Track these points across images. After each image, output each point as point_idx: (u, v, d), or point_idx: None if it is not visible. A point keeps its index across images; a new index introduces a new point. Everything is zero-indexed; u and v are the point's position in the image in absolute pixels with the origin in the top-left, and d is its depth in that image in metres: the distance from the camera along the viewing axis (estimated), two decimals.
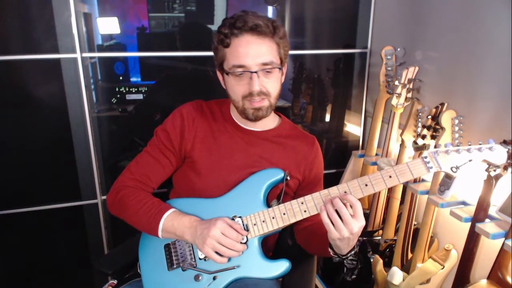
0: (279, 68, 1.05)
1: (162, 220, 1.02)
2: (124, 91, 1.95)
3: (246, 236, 1.02)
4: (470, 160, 0.96)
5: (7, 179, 1.71)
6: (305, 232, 1.17)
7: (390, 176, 0.96)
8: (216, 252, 0.99)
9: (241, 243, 1.01)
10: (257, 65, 1.01)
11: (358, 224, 0.91)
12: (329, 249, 1.02)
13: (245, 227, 1.03)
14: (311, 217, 1.02)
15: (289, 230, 1.24)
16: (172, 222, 1.02)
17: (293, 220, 1.01)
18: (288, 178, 1.10)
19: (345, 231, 0.90)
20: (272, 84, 1.05)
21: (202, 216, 1.05)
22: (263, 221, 1.03)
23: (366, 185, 0.97)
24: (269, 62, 1.02)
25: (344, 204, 0.92)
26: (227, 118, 1.16)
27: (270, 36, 1.02)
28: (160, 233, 1.03)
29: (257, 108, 1.05)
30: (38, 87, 1.67)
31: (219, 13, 2.01)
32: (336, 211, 0.92)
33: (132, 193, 1.08)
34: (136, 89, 1.97)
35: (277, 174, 1.09)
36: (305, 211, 1.00)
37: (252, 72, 1.01)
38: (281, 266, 1.04)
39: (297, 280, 1.14)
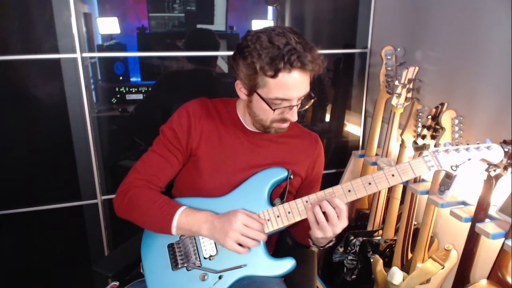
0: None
1: (176, 217, 1.02)
2: (124, 91, 1.95)
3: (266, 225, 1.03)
4: (469, 159, 0.99)
5: (7, 179, 1.71)
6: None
7: (393, 175, 0.98)
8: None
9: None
10: (298, 99, 1.02)
11: (341, 225, 0.96)
12: (309, 239, 1.09)
13: None
14: None
15: (288, 230, 1.24)
16: (187, 218, 1.02)
17: (298, 219, 1.02)
18: (292, 177, 1.11)
19: (330, 231, 0.95)
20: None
21: None
22: (268, 220, 1.03)
23: (370, 183, 0.99)
24: (307, 93, 1.03)
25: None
26: (233, 119, 1.15)
27: (313, 71, 1.00)
28: (174, 230, 1.02)
29: (282, 128, 1.08)
30: (38, 87, 1.67)
31: (219, 13, 2.01)
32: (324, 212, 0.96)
33: (141, 193, 1.07)
34: (136, 89, 1.97)
35: (281, 173, 1.09)
36: None
37: (293, 106, 1.02)
38: (287, 264, 1.05)
39: (299, 278, 1.15)
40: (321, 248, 1.09)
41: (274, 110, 1.01)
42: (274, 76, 0.96)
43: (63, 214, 1.81)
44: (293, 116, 1.04)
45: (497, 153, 0.99)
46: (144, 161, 1.13)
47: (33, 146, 1.72)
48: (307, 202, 1.01)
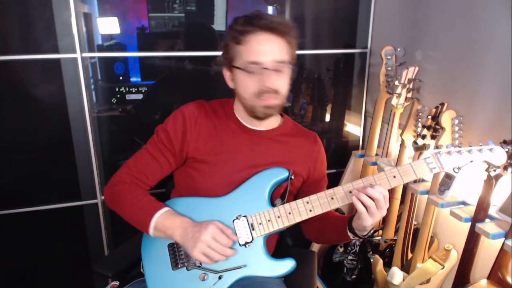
0: (291, 67, 1.06)
1: (154, 218, 1.02)
2: (124, 91, 1.95)
3: (238, 241, 1.03)
4: (471, 161, 0.98)
5: (7, 179, 1.71)
6: (316, 224, 1.19)
7: (395, 176, 0.98)
8: None
9: (231, 248, 1.01)
10: (271, 63, 1.01)
11: (387, 206, 0.96)
12: (349, 233, 1.06)
13: (250, 226, 1.03)
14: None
15: (288, 230, 1.24)
16: (165, 221, 1.02)
17: (298, 220, 1.02)
18: (293, 177, 1.10)
19: (378, 215, 0.96)
20: (282, 83, 1.05)
21: (206, 215, 1.05)
22: (269, 220, 1.03)
23: (371, 185, 0.98)
24: (283, 60, 1.03)
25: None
26: (230, 118, 1.15)
27: (284, 35, 1.03)
28: (151, 231, 1.03)
29: (267, 106, 1.05)
30: (38, 87, 1.67)
31: (219, 13, 2.01)
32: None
33: (127, 189, 1.09)
34: (136, 89, 1.97)
35: (282, 174, 1.09)
36: (310, 210, 1.01)
37: (265, 68, 1.01)
38: (287, 265, 1.05)
39: (299, 279, 1.15)
40: (365, 237, 1.07)
41: (240, 69, 1.03)
42: (242, 41, 1.01)
43: (63, 214, 1.81)
44: (271, 82, 1.02)
45: (499, 155, 0.99)
46: (136, 158, 1.15)
47: (33, 146, 1.72)
48: (307, 203, 1.01)
